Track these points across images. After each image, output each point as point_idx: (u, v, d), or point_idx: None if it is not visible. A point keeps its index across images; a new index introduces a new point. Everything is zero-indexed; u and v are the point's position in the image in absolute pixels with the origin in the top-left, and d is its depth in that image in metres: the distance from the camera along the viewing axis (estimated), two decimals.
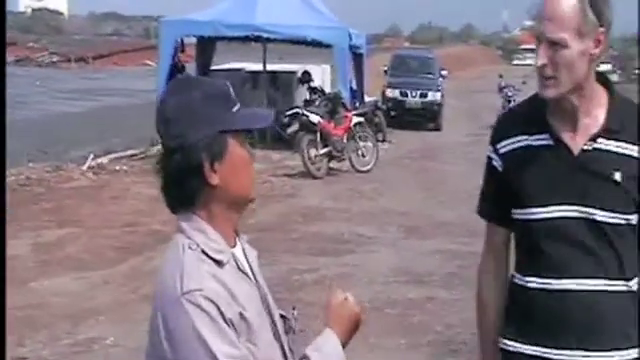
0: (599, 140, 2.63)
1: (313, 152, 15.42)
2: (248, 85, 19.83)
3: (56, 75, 44.08)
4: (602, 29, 2.56)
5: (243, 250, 2.29)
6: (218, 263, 2.15)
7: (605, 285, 2.64)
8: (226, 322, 2.07)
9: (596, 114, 2.65)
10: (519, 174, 2.70)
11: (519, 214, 2.72)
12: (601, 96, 2.68)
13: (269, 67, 20.85)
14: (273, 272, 8.25)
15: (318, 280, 8.66)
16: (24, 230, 10.18)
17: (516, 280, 2.78)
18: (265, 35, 18.83)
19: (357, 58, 20.75)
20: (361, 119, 16.89)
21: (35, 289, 8.20)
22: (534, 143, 2.68)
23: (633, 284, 2.69)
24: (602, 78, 2.69)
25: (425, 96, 25.92)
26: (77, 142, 18.16)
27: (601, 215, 2.61)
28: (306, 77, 21.33)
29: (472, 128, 23.30)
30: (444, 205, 12.62)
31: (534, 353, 2.71)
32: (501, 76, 29.63)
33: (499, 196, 2.78)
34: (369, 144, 16.64)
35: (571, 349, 2.66)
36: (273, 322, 2.27)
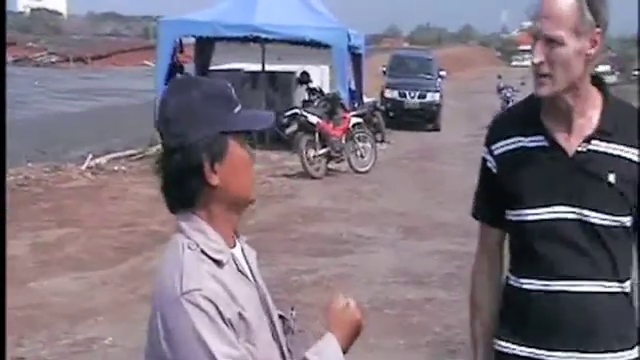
0: (593, 142, 2.63)
1: (312, 152, 15.43)
2: (247, 85, 19.83)
3: (55, 75, 44.07)
4: (598, 29, 2.57)
5: (242, 251, 2.30)
6: (217, 263, 2.15)
7: (599, 286, 2.65)
8: (225, 322, 2.07)
9: (590, 115, 2.66)
10: (514, 175, 2.70)
11: (513, 215, 2.72)
12: (595, 97, 2.68)
13: (268, 67, 20.85)
14: (272, 272, 8.26)
15: (317, 281, 8.66)
16: (23, 230, 10.18)
17: (510, 282, 2.78)
18: (264, 35, 18.83)
19: (356, 59, 20.76)
20: (360, 120, 16.89)
21: (34, 289, 8.20)
22: (529, 144, 2.68)
23: (626, 286, 2.70)
24: (596, 80, 2.69)
25: (424, 97, 25.94)
26: (76, 142, 18.16)
27: (595, 217, 2.61)
28: (305, 78, 21.34)
29: (471, 129, 23.28)
30: (443, 206, 12.62)
31: (529, 355, 2.71)
32: (500, 77, 29.64)
33: (493, 197, 2.78)
34: (368, 145, 16.64)
35: (565, 350, 2.67)
36: (272, 323, 2.27)
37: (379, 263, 9.49)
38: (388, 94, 26.07)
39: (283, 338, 2.30)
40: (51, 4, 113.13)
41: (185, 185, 2.17)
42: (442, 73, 28.62)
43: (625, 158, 2.63)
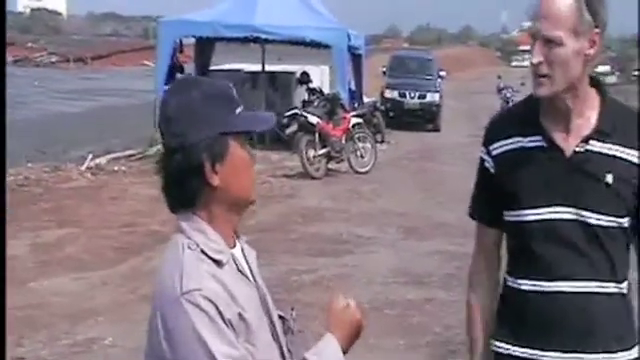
0: (591, 142, 2.63)
1: (312, 153, 15.43)
2: (247, 86, 19.82)
3: (55, 75, 44.07)
4: (597, 30, 2.57)
5: (242, 251, 2.30)
6: (217, 263, 2.15)
7: (597, 287, 2.65)
8: (225, 322, 2.07)
9: (588, 116, 2.66)
10: (512, 175, 2.70)
11: (511, 216, 2.72)
12: (594, 98, 2.68)
13: (268, 68, 20.84)
14: (272, 272, 8.26)
15: (317, 281, 8.66)
16: (23, 230, 10.18)
17: (508, 283, 2.78)
18: (264, 36, 18.83)
19: (356, 59, 20.76)
20: (360, 120, 16.89)
21: (34, 289, 8.20)
22: (527, 145, 2.69)
23: (624, 286, 2.70)
24: (594, 81, 2.69)
25: (424, 97, 25.96)
26: (75, 142, 18.16)
27: (593, 217, 2.61)
28: (305, 78, 21.34)
29: (471, 129, 23.27)
30: (443, 206, 12.61)
31: (526, 355, 2.71)
32: (500, 77, 29.68)
33: (491, 197, 2.78)
34: (368, 145, 16.64)
35: (563, 351, 2.67)
36: (272, 323, 2.27)
37: (379, 263, 9.49)
38: (388, 94, 26.08)
39: (283, 338, 2.30)
40: (51, 4, 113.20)
41: (186, 185, 2.17)
42: (442, 73, 28.63)
43: (623, 159, 2.63)
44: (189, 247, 2.15)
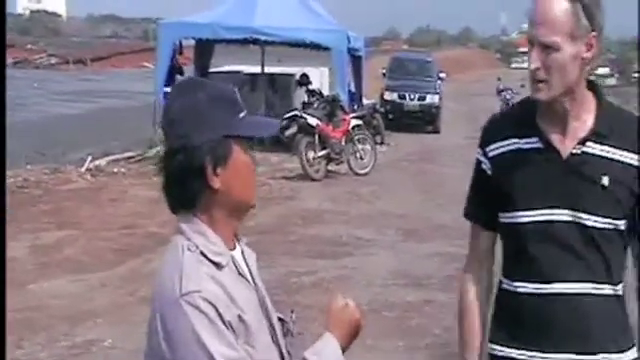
0: (588, 144, 2.64)
1: (311, 154, 15.43)
2: (246, 88, 19.83)
3: (54, 77, 44.08)
4: (594, 33, 2.57)
5: (242, 253, 2.29)
6: (217, 265, 2.15)
7: (593, 288, 2.65)
8: (224, 324, 2.07)
9: (585, 118, 2.66)
10: (509, 177, 2.70)
11: (507, 218, 2.72)
12: (590, 101, 2.69)
13: (267, 70, 20.87)
14: (271, 274, 8.25)
15: (316, 283, 8.66)
16: (22, 232, 10.17)
17: (504, 285, 2.78)
18: (263, 38, 18.85)
19: (355, 61, 20.77)
20: (359, 122, 16.90)
21: (33, 291, 8.20)
22: (524, 146, 2.69)
23: (619, 289, 2.71)
24: (590, 84, 2.70)
25: (423, 99, 25.98)
26: (75, 144, 18.15)
27: (589, 219, 2.62)
28: (304, 80, 21.35)
29: (470, 131, 23.23)
30: (442, 208, 12.61)
31: (523, 357, 2.71)
32: (499, 79, 29.68)
33: (487, 199, 2.77)
34: (367, 147, 16.65)
35: (560, 353, 2.67)
36: (271, 325, 2.27)
37: (378, 265, 9.48)
38: (388, 96, 26.10)
39: (282, 340, 2.30)
40: (50, 6, 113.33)
41: (186, 186, 2.17)
42: (442, 75, 28.65)
43: (619, 161, 2.64)
44: (189, 249, 2.15)
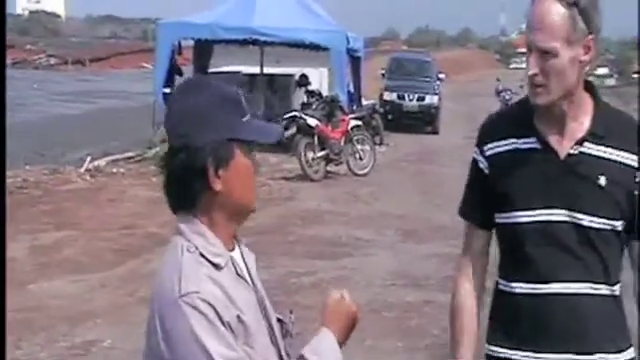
0: (585, 144, 2.65)
1: (310, 155, 15.43)
2: (245, 88, 19.81)
3: (53, 77, 44.08)
4: (591, 36, 2.58)
5: (241, 254, 2.30)
6: (216, 266, 2.15)
7: (590, 289, 2.66)
8: (223, 324, 2.07)
9: (582, 119, 2.67)
10: (506, 177, 2.70)
11: (504, 218, 2.72)
12: (587, 102, 2.70)
13: (266, 70, 20.86)
14: (271, 275, 8.25)
15: (315, 283, 8.66)
16: (21, 233, 10.17)
17: (501, 286, 2.78)
18: (262, 38, 18.85)
19: (355, 61, 20.77)
20: (359, 122, 16.91)
21: (32, 291, 8.20)
22: (521, 146, 2.69)
23: (616, 289, 2.71)
24: (588, 85, 2.70)
25: (422, 99, 25.98)
26: (74, 144, 18.16)
27: (586, 219, 2.62)
28: (303, 80, 21.36)
29: (469, 131, 23.21)
30: (441, 208, 12.60)
31: (521, 358, 2.71)
32: (499, 80, 29.69)
33: (483, 198, 2.78)
34: (366, 147, 16.65)
35: (557, 353, 2.67)
36: (270, 326, 2.27)
37: (378, 266, 9.49)
38: (387, 97, 26.11)
39: (281, 342, 2.30)
40: (49, 6, 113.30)
41: (187, 186, 2.17)
42: (441, 76, 28.66)
43: (616, 161, 2.64)
44: (188, 250, 2.15)
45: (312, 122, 15.68)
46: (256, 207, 2.28)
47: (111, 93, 35.05)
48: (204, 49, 20.99)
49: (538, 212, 2.65)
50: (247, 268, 2.28)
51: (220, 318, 2.06)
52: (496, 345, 2.77)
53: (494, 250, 2.85)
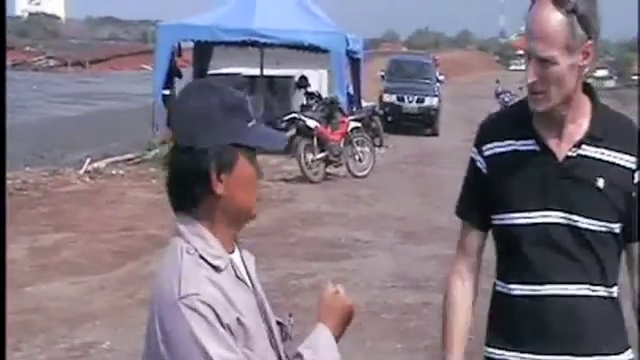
0: (583, 147, 2.65)
1: (310, 157, 15.43)
2: (245, 90, 19.77)
3: (53, 79, 44.11)
4: (590, 41, 2.58)
5: (241, 256, 2.30)
6: (215, 269, 2.15)
7: (588, 290, 2.66)
8: (223, 327, 2.07)
9: (581, 122, 2.67)
10: (504, 178, 2.71)
11: (501, 219, 2.73)
12: (586, 104, 2.70)
13: (266, 72, 20.87)
14: (270, 277, 8.25)
15: (315, 285, 8.64)
16: (21, 234, 10.17)
17: (498, 288, 2.78)
18: (262, 40, 18.85)
19: (354, 63, 20.77)
20: (358, 124, 16.91)
21: (32, 293, 8.19)
22: (520, 148, 2.70)
23: (614, 291, 2.71)
24: (586, 87, 2.71)
25: (422, 101, 26.00)
26: (74, 146, 18.16)
27: (584, 222, 2.62)
28: (303, 82, 21.38)
29: (468, 133, 23.17)
30: (441, 210, 12.59)
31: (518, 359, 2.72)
32: (498, 81, 29.72)
33: (480, 198, 2.78)
34: (366, 149, 16.65)
35: (556, 354, 2.68)
36: (270, 329, 2.27)
37: (377, 267, 9.48)
38: (386, 98, 26.12)
39: (281, 345, 2.30)
40: (49, 8, 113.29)
41: (189, 187, 2.17)
42: (440, 77, 28.67)
43: (614, 164, 2.65)
44: (188, 252, 2.15)
45: (312, 124, 15.69)
46: (256, 213, 2.28)
47: (111, 95, 35.07)
48: (204, 51, 20.99)
49: (535, 214, 2.65)
50: (247, 270, 2.28)
51: (220, 320, 2.07)
52: (495, 347, 2.77)
53: (493, 251, 2.85)
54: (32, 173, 14.57)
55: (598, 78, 50.14)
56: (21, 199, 12.38)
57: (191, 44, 20.72)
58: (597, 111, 2.69)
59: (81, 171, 15.05)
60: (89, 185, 14.19)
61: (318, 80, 22.89)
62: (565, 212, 2.63)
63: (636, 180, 2.65)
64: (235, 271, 2.21)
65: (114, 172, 15.41)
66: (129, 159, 16.67)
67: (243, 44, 20.05)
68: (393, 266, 9.58)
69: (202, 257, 2.14)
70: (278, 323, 2.35)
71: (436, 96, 26.36)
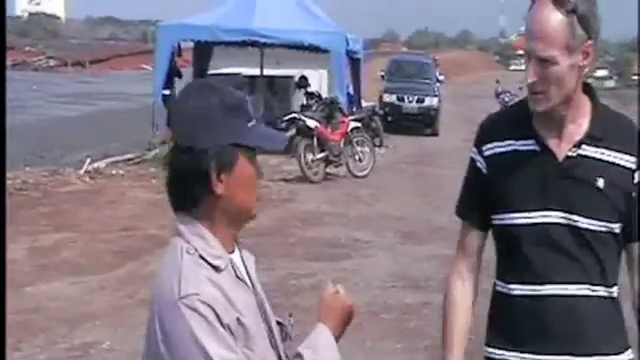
0: (583, 147, 2.65)
1: (310, 157, 15.43)
2: (245, 90, 19.78)
3: (53, 79, 44.11)
4: (590, 41, 2.57)
5: (241, 256, 2.30)
6: (215, 269, 2.15)
7: (588, 290, 2.66)
8: (223, 327, 2.07)
9: (580, 122, 2.67)
10: (504, 178, 2.71)
11: (501, 219, 2.73)
12: (586, 105, 2.70)
13: (266, 72, 20.87)
14: (270, 277, 8.25)
15: (315, 285, 8.64)
16: (21, 234, 10.17)
17: (499, 288, 2.78)
18: (262, 40, 18.85)
19: (354, 63, 20.77)
20: (358, 124, 16.91)
21: (32, 293, 8.19)
22: (520, 148, 2.70)
23: (614, 291, 2.71)
24: (586, 87, 2.71)
25: (422, 101, 26.00)
26: (74, 146, 18.15)
27: (584, 222, 2.62)
28: (303, 82, 21.38)
29: (468, 133, 23.15)
30: (441, 210, 12.59)
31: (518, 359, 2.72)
32: (498, 81, 29.71)
33: (480, 198, 2.78)
34: (366, 149, 16.65)
35: (556, 354, 2.68)
36: (270, 329, 2.27)
37: (377, 267, 9.48)
38: (386, 98, 26.13)
39: (281, 345, 2.30)
40: (49, 8, 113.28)
41: (189, 187, 2.17)
42: (440, 77, 28.67)
43: (614, 163, 2.65)
44: (188, 252, 2.15)
45: (311, 124, 15.69)
46: (256, 214, 2.28)
47: (111, 95, 35.07)
48: (204, 51, 20.99)
49: (535, 214, 2.65)
50: (247, 271, 2.28)
51: (220, 320, 2.07)
52: (495, 347, 2.77)
53: (493, 251, 2.85)
54: (32, 173, 14.57)
55: (598, 78, 50.15)
56: (21, 199, 12.38)
57: (191, 44, 20.72)
58: (597, 111, 2.69)
59: (81, 171, 15.05)
60: (89, 185, 14.19)
61: (318, 80, 22.89)
62: (565, 212, 2.63)
63: (636, 180, 2.65)
64: (235, 271, 2.21)
65: (114, 172, 15.41)
66: (129, 159, 16.67)
67: (243, 44, 20.05)
68: (393, 266, 9.58)
69: (202, 257, 2.14)
70: (278, 323, 2.35)
71: (436, 96, 26.37)
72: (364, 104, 21.39)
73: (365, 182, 15.69)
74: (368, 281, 8.86)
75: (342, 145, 16.01)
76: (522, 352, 2.70)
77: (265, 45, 19.63)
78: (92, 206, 12.29)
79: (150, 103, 18.68)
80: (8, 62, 42.83)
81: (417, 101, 25.96)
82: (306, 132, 15.54)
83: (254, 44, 19.75)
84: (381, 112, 23.47)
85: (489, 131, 2.80)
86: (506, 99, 26.35)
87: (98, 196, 13.13)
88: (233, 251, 2.25)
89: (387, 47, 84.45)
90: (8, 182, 12.48)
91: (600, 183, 2.62)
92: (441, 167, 18.14)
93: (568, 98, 2.62)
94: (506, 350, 2.73)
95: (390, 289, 8.65)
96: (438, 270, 9.32)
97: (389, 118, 24.76)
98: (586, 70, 2.62)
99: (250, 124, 2.21)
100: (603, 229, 2.64)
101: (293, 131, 15.63)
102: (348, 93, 19.94)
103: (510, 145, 2.71)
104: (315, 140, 15.50)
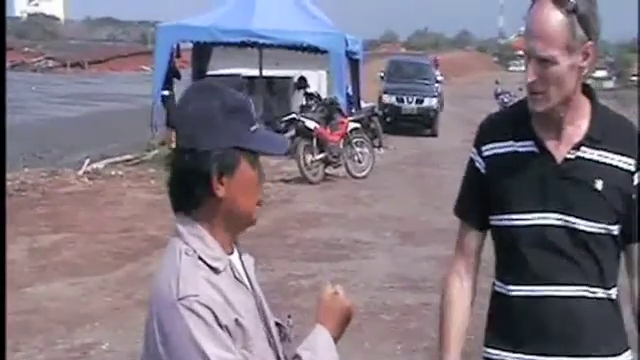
0: (582, 148, 2.64)
1: (309, 158, 15.43)
2: (244, 91, 19.79)
3: (52, 80, 44.11)
4: (590, 42, 2.57)
5: (240, 258, 2.30)
6: (214, 270, 2.15)
7: (586, 292, 2.66)
8: (221, 328, 2.07)
9: (579, 123, 2.67)
10: (503, 179, 2.70)
11: (500, 220, 2.73)
12: (585, 105, 2.69)
13: (265, 73, 20.88)
14: (269, 277, 8.25)
15: (314, 286, 8.64)
16: (20, 235, 10.16)
17: (497, 288, 2.78)
18: (261, 41, 18.85)
19: (353, 64, 20.78)
20: (357, 125, 16.90)
21: (30, 294, 8.18)
22: (519, 149, 2.69)
23: (612, 292, 2.71)
24: (585, 88, 2.70)
25: (421, 102, 26.02)
26: (73, 147, 18.16)
27: (582, 224, 2.62)
28: (302, 83, 21.38)
29: (468, 134, 23.22)
30: (440, 211, 12.59)
31: None
32: (497, 82, 29.70)
33: (479, 198, 2.78)
34: (365, 150, 16.64)
35: (554, 355, 2.68)
36: (268, 331, 2.27)
37: (376, 268, 9.48)
38: (386, 99, 26.15)
39: (280, 346, 2.30)
40: (48, 9, 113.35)
41: (190, 188, 2.17)
42: (439, 78, 28.68)
43: (613, 165, 2.64)
44: (186, 253, 2.15)
45: (311, 125, 15.68)
46: (257, 218, 2.27)
47: (110, 96, 35.08)
48: (203, 52, 20.99)
49: (534, 216, 2.65)
50: (246, 272, 2.28)
51: (218, 321, 2.06)
52: (493, 347, 2.77)
53: (492, 251, 2.85)
54: (31, 174, 14.57)
55: (597, 79, 50.19)
56: (20, 200, 12.39)
57: (190, 45, 20.72)
58: (596, 112, 2.69)
59: (80, 172, 15.05)
60: (88, 186, 14.18)
61: (317, 81, 22.90)
62: (563, 214, 2.62)
63: (636, 182, 2.65)
64: (234, 272, 2.21)
65: (113, 173, 15.40)
66: (128, 160, 16.67)
67: (242, 45, 20.05)
68: (392, 267, 9.57)
69: (201, 258, 2.14)
70: (277, 324, 2.35)
71: (435, 97, 26.39)
72: (363, 105, 21.40)
73: (364, 183, 15.69)
74: (367, 282, 8.86)
75: (341, 146, 16.01)
76: (521, 353, 2.70)
77: (264, 46, 19.63)
78: (91, 207, 12.29)
79: (149, 104, 18.68)
80: (7, 63, 42.86)
81: (416, 102, 25.98)
82: (305, 133, 15.54)
83: (253, 45, 19.75)
84: (380, 113, 23.49)
85: (488, 132, 2.80)
86: (505, 100, 26.36)
87: (97, 197, 13.13)
88: (232, 252, 2.25)
89: (386, 48, 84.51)
90: (7, 183, 12.49)
91: (598, 185, 2.62)
92: (440, 168, 18.15)
93: (567, 99, 2.62)
94: (505, 350, 2.73)
95: (389, 290, 8.65)
96: (437, 271, 9.31)
97: (388, 119, 24.78)
98: (586, 71, 2.62)
99: (253, 128, 2.21)
100: (601, 231, 2.63)
101: (292, 132, 15.63)
102: (347, 94, 19.95)
103: (509, 146, 2.71)
104: (314, 141, 15.50)
